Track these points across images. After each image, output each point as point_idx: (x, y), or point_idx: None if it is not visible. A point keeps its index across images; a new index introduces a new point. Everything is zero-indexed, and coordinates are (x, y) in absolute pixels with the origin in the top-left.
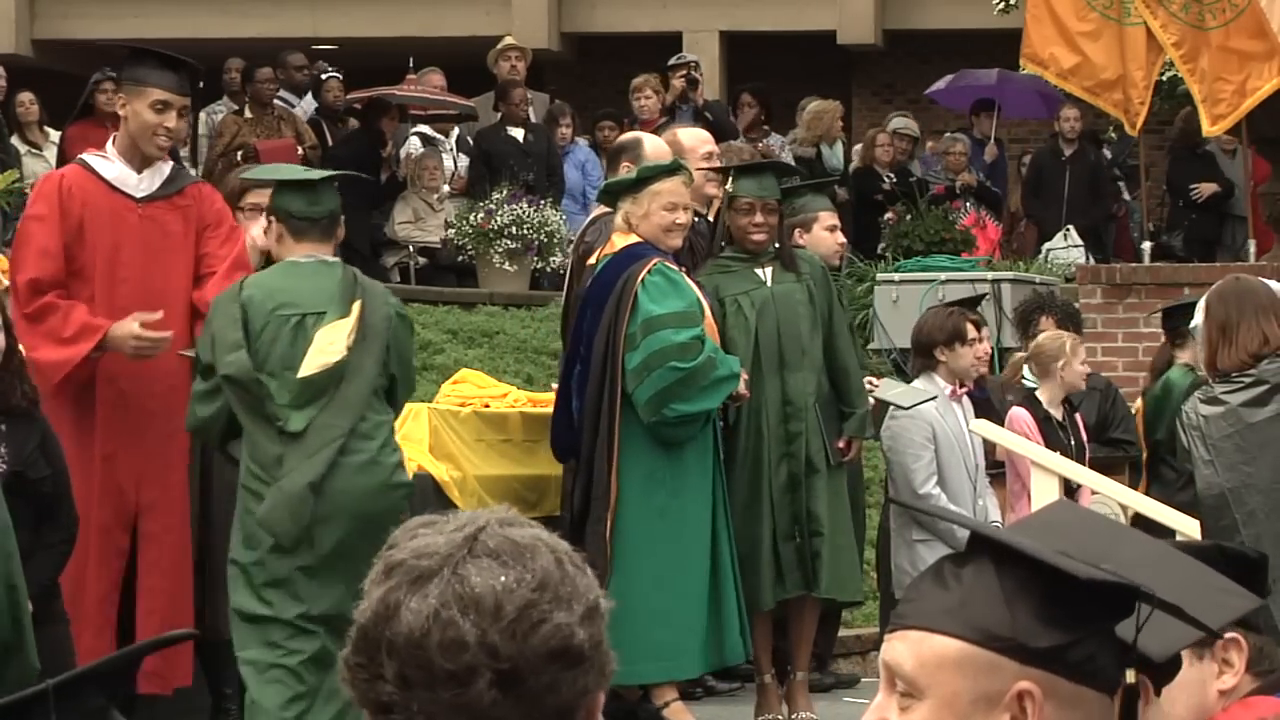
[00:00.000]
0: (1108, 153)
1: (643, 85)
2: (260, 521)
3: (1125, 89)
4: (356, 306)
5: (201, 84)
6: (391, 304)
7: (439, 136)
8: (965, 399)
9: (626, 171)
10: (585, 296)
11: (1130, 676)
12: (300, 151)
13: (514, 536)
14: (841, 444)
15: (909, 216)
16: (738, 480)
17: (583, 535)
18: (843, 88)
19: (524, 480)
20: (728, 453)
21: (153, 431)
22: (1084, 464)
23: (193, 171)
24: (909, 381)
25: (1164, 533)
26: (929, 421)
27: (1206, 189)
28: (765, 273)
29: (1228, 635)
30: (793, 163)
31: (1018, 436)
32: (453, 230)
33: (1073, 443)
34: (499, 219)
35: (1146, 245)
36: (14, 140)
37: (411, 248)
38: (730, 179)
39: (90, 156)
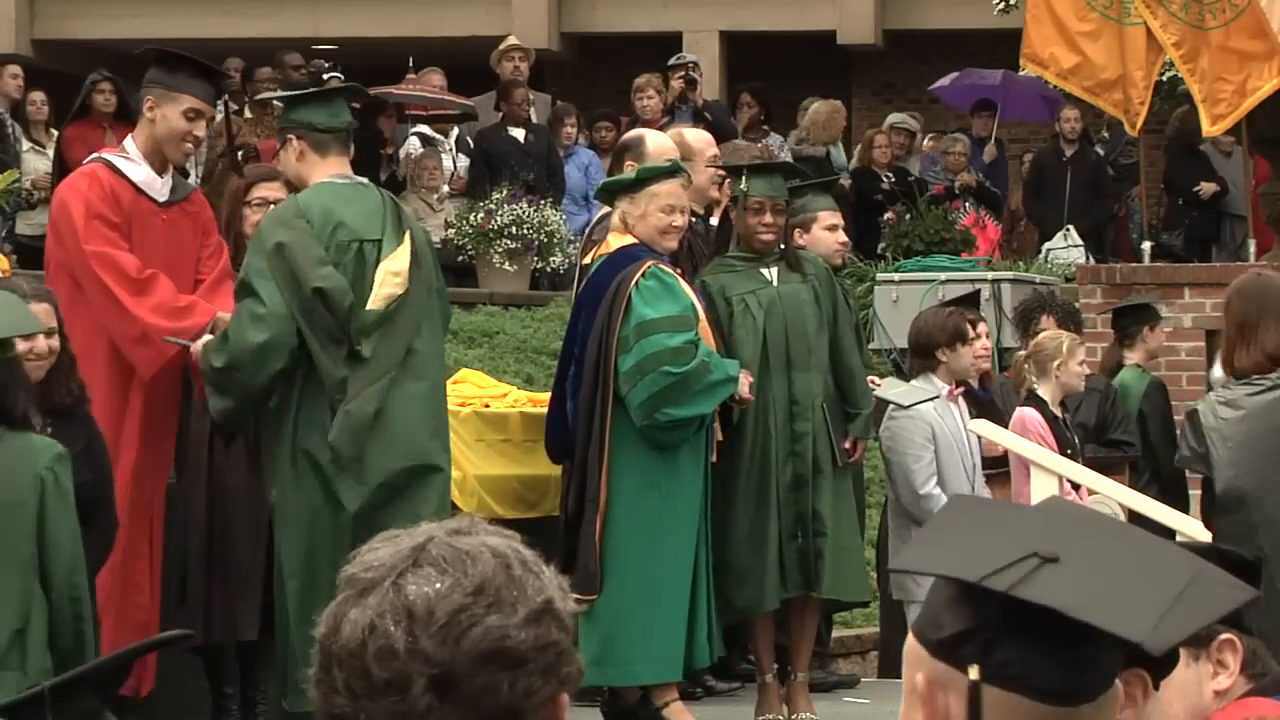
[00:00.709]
0: (1100, 150)
1: (645, 85)
2: (333, 441)
3: (1125, 89)
4: (408, 236)
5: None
6: (423, 229)
7: (438, 136)
8: (961, 399)
9: (629, 170)
10: (579, 297)
11: (974, 673)
12: None
13: (459, 545)
14: (847, 445)
15: (909, 216)
16: (745, 480)
17: (577, 537)
18: (843, 88)
19: (524, 480)
20: (734, 453)
21: (152, 437)
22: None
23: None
24: (907, 381)
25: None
26: (928, 422)
27: (1209, 188)
28: (771, 273)
29: (1222, 637)
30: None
31: (1017, 436)
32: (453, 230)
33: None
34: (499, 219)
35: (1146, 245)
36: (22, 137)
37: None
38: (743, 178)
39: (114, 158)
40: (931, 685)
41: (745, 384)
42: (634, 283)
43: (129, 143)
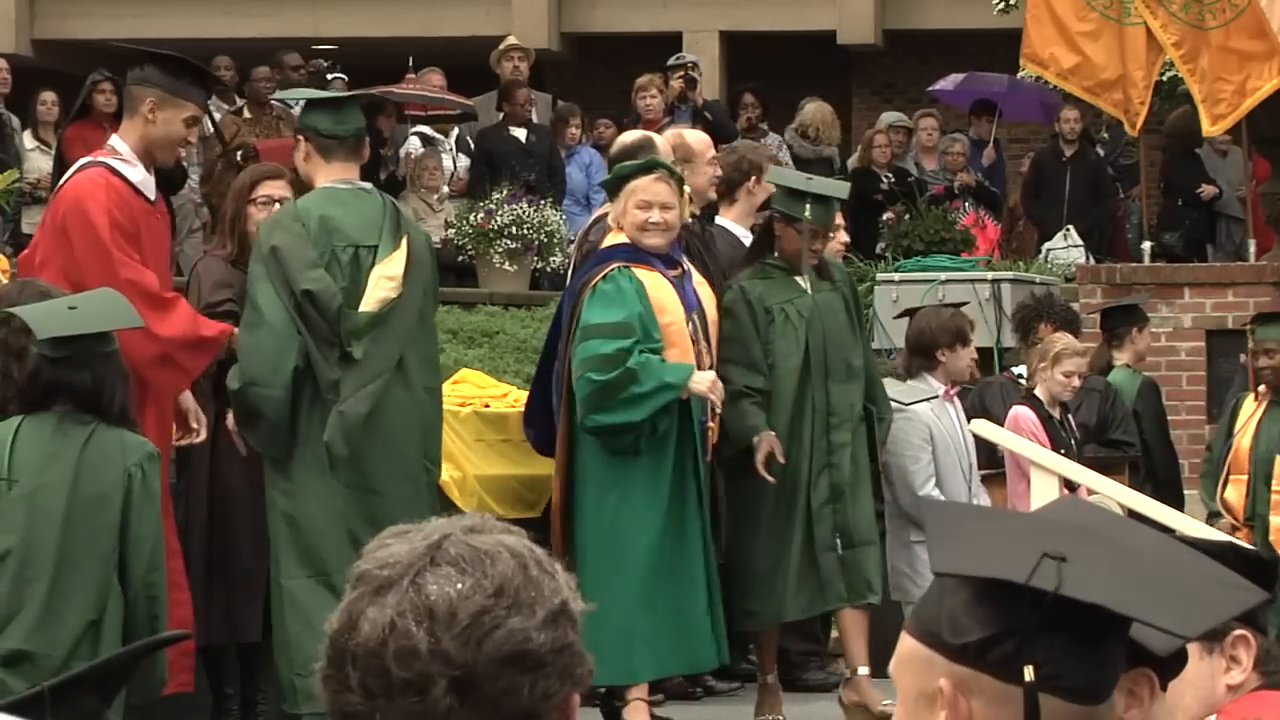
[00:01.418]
0: (1100, 150)
1: (647, 85)
2: (327, 440)
3: (1125, 89)
4: (405, 242)
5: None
6: (423, 233)
7: (438, 136)
8: (956, 399)
9: None
10: (564, 294)
11: (1029, 674)
12: None
13: (476, 544)
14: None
15: (908, 216)
16: (775, 490)
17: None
18: (843, 88)
19: (524, 480)
20: (765, 468)
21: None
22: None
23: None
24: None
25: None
26: (926, 423)
27: (1210, 190)
28: (804, 281)
29: (1236, 632)
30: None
31: (1017, 436)
32: (453, 230)
33: (1072, 442)
34: (499, 219)
35: (1146, 245)
36: (27, 137)
37: None
38: (807, 204)
39: (112, 160)
40: (956, 690)
41: (705, 384)
42: (592, 285)
43: (119, 142)
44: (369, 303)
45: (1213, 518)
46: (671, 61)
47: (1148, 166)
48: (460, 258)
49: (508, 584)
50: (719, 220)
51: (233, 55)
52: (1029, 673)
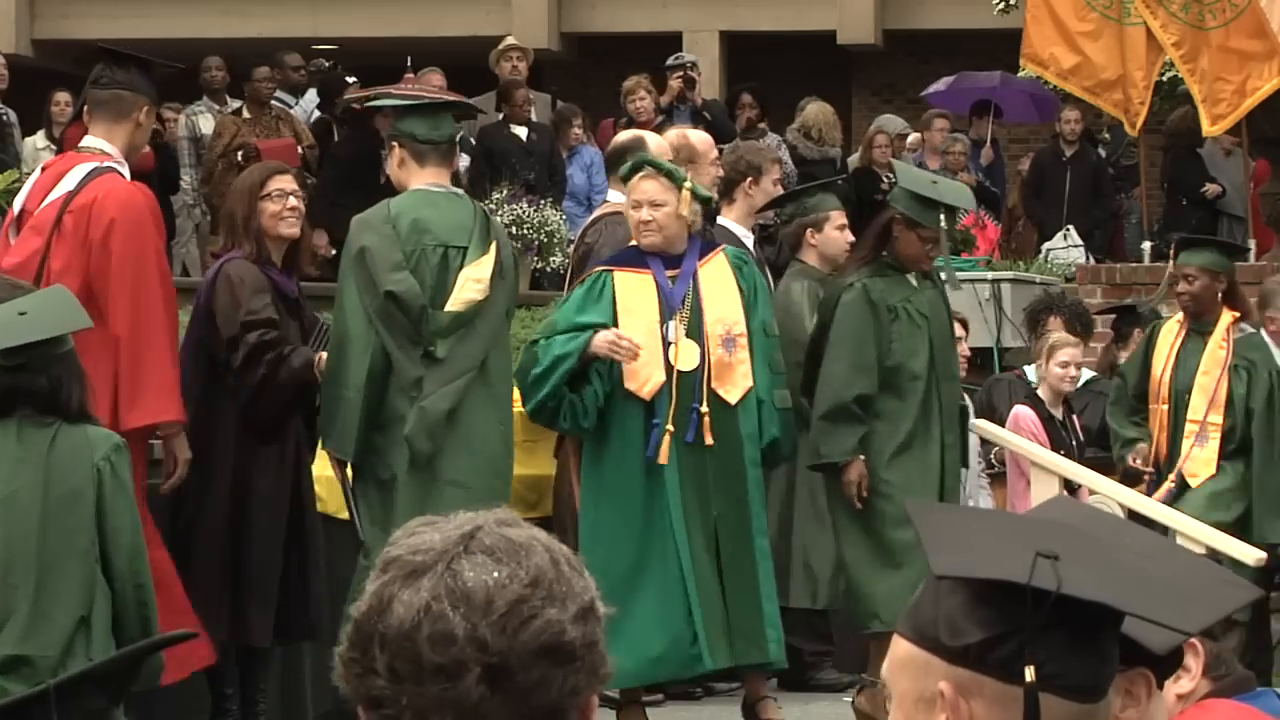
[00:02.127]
0: (1102, 151)
1: (635, 87)
2: (409, 436)
3: (1125, 89)
4: (494, 247)
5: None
6: (509, 243)
7: None
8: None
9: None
10: None
11: (1030, 675)
12: (300, 151)
13: (511, 535)
14: None
15: None
16: (901, 494)
17: None
18: (843, 88)
19: (524, 480)
20: (906, 464)
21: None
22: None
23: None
24: None
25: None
26: None
27: (1214, 190)
28: (914, 280)
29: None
30: (791, 161)
31: (1017, 436)
32: None
33: (1074, 443)
34: (499, 219)
35: (1146, 245)
36: (39, 137)
37: None
38: (940, 213)
39: (117, 165)
40: (956, 693)
41: (604, 345)
42: (577, 283)
43: (107, 145)
44: (455, 303)
45: (1126, 446)
46: (670, 61)
47: (1148, 166)
48: None
49: (543, 576)
50: (720, 220)
51: (233, 55)
52: (1030, 673)
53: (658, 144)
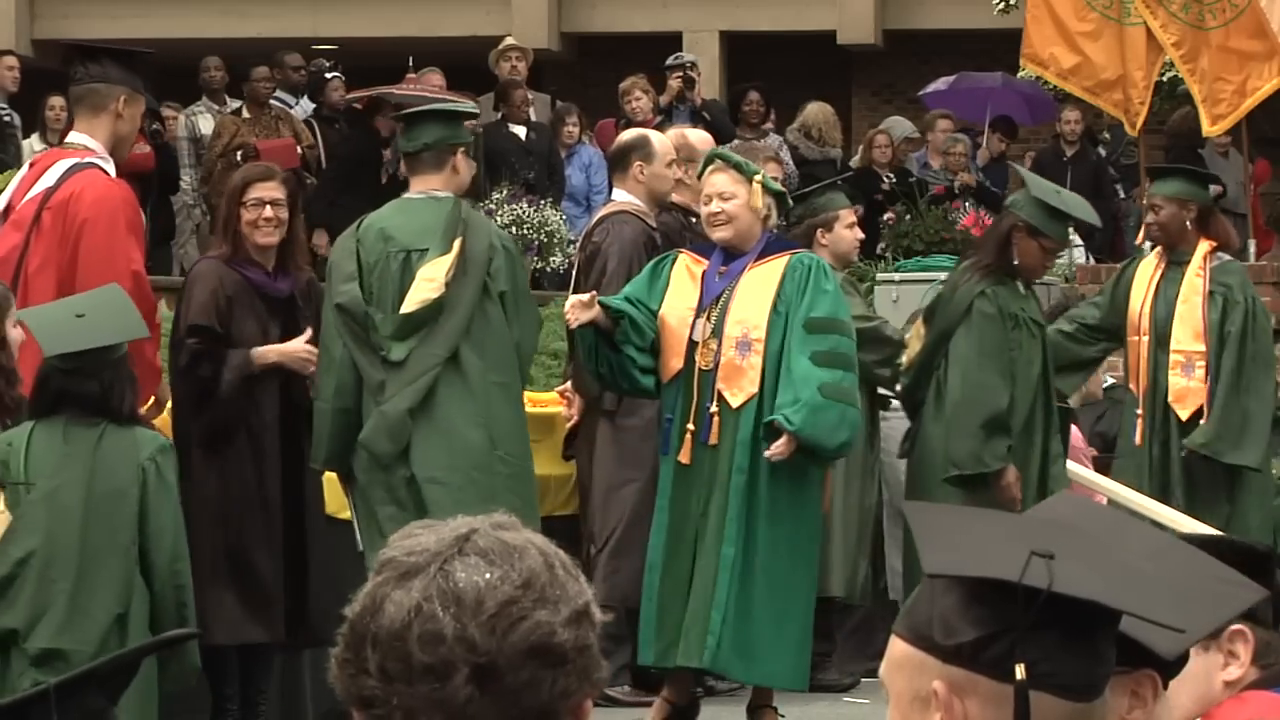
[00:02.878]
0: (1102, 151)
1: (630, 88)
2: (361, 441)
3: (1125, 89)
4: (457, 244)
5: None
6: (497, 235)
7: None
8: None
9: (638, 170)
10: None
11: (1020, 673)
12: (299, 151)
13: (505, 538)
14: None
15: (909, 216)
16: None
17: None
18: (843, 88)
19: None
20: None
21: None
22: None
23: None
24: None
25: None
26: None
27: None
28: (1022, 287)
29: (1234, 627)
30: (791, 161)
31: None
32: None
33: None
34: (499, 219)
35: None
36: (35, 140)
37: None
38: (1070, 225)
39: (99, 160)
40: (950, 692)
41: (568, 309)
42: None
43: (89, 140)
44: (408, 304)
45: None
46: (670, 61)
47: (1148, 166)
48: None
49: (535, 578)
50: None
51: (233, 55)
52: (1020, 671)
53: (660, 142)
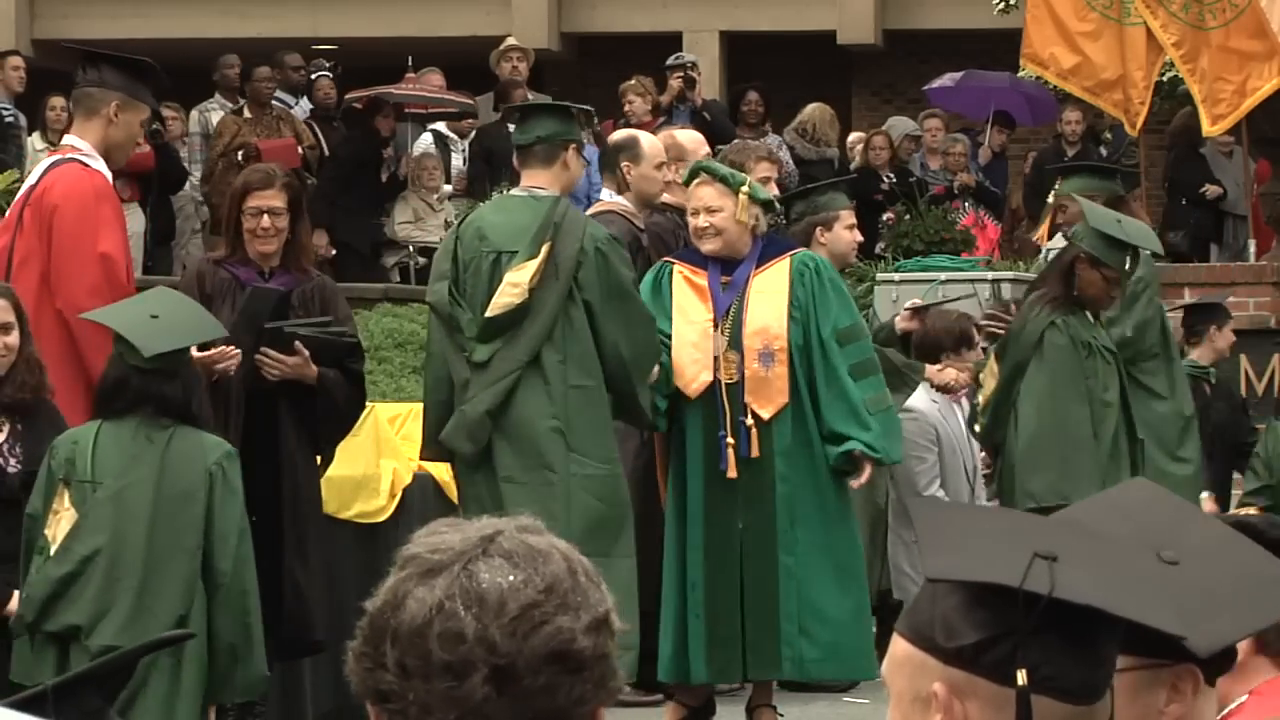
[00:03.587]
0: (1104, 151)
1: (627, 89)
2: (442, 440)
3: (1125, 89)
4: (545, 248)
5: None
6: (589, 237)
7: (452, 136)
8: (964, 400)
9: (626, 170)
10: None
11: (1022, 678)
12: (300, 151)
13: (531, 542)
14: None
15: (908, 216)
16: None
17: None
18: (843, 88)
19: None
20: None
21: None
22: None
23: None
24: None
25: None
26: (932, 424)
27: (1214, 191)
28: (1091, 316)
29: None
30: (791, 161)
31: None
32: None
33: None
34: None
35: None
36: (36, 139)
37: (411, 248)
38: (1128, 256)
39: (84, 158)
40: (950, 694)
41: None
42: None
43: (79, 141)
44: (492, 308)
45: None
46: (670, 61)
47: (1148, 166)
48: None
49: (558, 584)
50: None
51: (233, 55)
52: (1022, 676)
53: (649, 143)
